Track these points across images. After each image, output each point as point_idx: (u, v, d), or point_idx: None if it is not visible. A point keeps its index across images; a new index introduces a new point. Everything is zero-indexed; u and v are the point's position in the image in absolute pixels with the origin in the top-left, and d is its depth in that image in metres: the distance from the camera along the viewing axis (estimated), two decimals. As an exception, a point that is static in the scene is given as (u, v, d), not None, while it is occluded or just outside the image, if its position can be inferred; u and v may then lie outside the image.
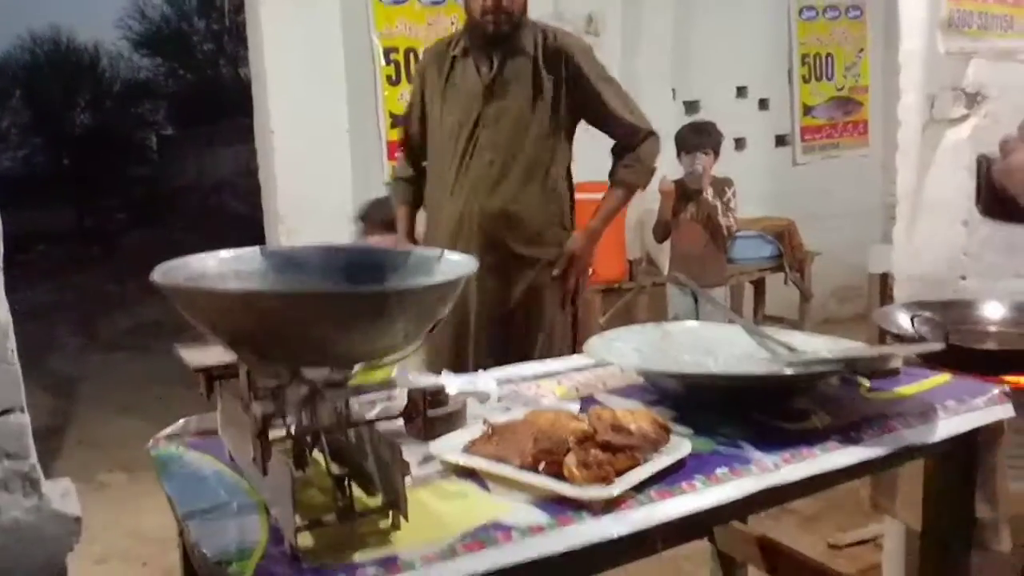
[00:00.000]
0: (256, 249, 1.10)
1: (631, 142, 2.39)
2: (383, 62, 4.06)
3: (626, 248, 4.36)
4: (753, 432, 1.28)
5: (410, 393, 1.15)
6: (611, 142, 2.46)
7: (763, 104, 5.39)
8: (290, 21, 3.70)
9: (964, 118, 2.38)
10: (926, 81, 2.46)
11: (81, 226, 13.40)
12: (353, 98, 3.87)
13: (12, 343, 1.34)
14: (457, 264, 1.03)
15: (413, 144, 2.50)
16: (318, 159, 3.71)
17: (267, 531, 1.02)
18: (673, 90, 4.91)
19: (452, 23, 4.00)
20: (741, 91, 5.30)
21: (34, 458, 1.37)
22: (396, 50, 4.08)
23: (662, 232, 3.66)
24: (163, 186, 14.79)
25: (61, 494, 1.44)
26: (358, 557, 0.95)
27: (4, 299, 1.36)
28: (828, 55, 5.46)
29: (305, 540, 0.98)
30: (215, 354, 1.21)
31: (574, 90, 2.31)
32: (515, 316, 2.36)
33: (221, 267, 1.04)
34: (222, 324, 0.89)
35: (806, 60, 5.42)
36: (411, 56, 4.06)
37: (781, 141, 5.48)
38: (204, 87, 15.18)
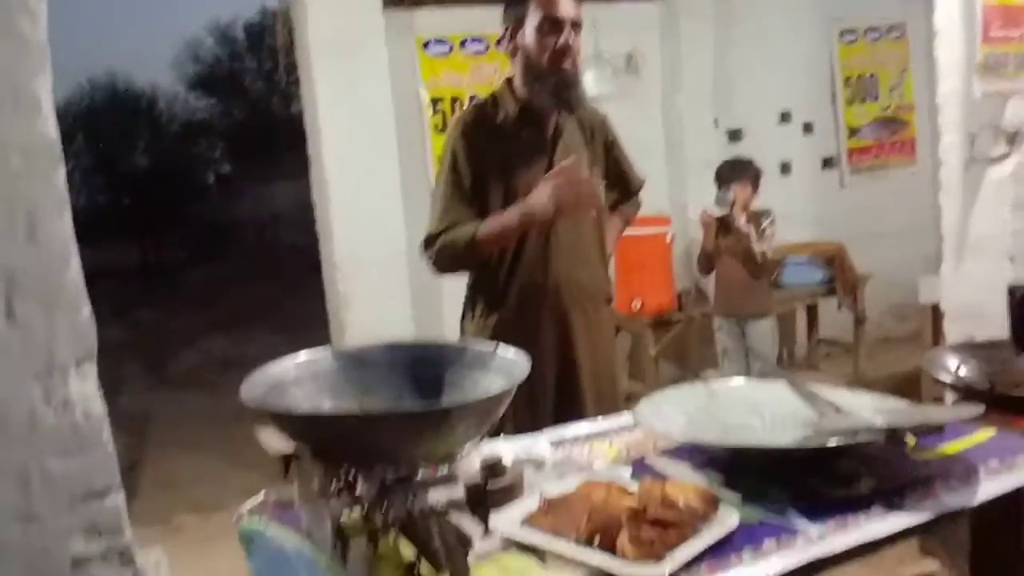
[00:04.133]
0: (327, 350, 1.21)
1: (633, 193, 2.42)
2: (430, 112, 4.21)
3: (674, 279, 4.41)
4: (800, 498, 1.34)
5: (467, 486, 1.23)
6: None
7: (808, 128, 5.39)
8: (341, 77, 3.86)
9: (1005, 156, 2.41)
10: (965, 121, 2.49)
11: (143, 263, 13.89)
12: (402, 147, 4.01)
13: (108, 431, 1.46)
14: (510, 363, 1.12)
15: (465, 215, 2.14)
16: (371, 207, 3.85)
17: (346, 611, 1.12)
18: (716, 120, 4.95)
19: (495, 70, 4.13)
20: (785, 116, 5.32)
21: (129, 535, 1.49)
22: (442, 100, 4.22)
23: (705, 263, 3.81)
24: (221, 221, 15.25)
25: (154, 563, 1.55)
26: (430, 638, 1.04)
27: (98, 390, 1.48)
28: (871, 75, 5.45)
29: (381, 622, 1.07)
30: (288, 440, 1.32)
31: (607, 154, 2.29)
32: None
33: (297, 371, 1.15)
34: (301, 438, 1.00)
35: (849, 82, 5.42)
36: (456, 105, 4.20)
37: (828, 164, 5.48)
38: (257, 124, 15.67)
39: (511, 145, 2.11)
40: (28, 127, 1.35)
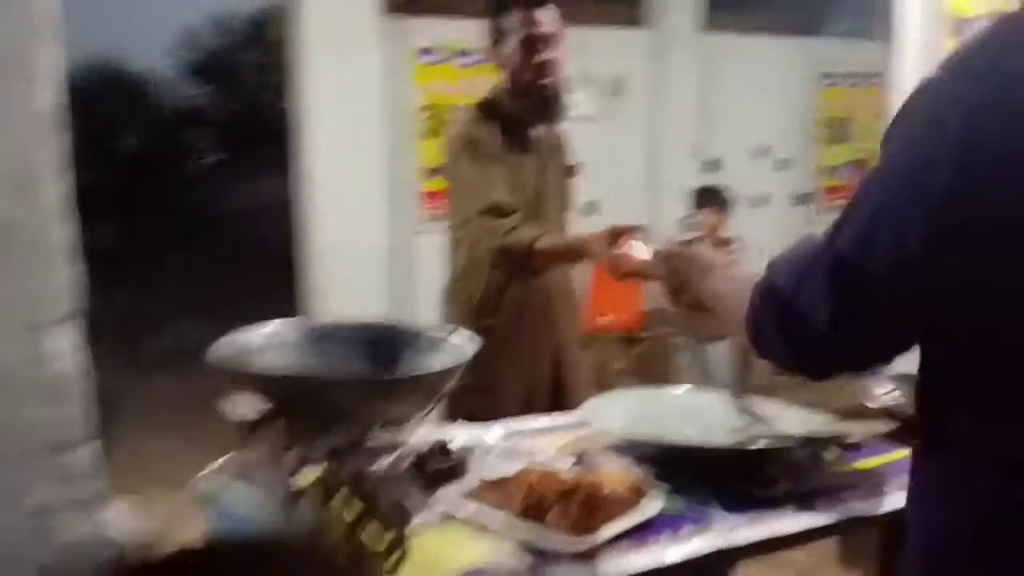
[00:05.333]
0: (293, 322, 1.32)
1: None
2: (420, 117, 4.33)
3: (642, 299, 4.54)
4: (722, 495, 1.46)
5: (417, 455, 1.34)
6: None
7: (784, 164, 5.58)
8: (332, 76, 3.98)
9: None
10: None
11: (124, 245, 13.85)
12: (391, 149, 4.12)
13: (86, 386, 1.55)
14: (458, 348, 1.23)
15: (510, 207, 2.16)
16: (354, 204, 3.95)
17: (292, 563, 1.22)
18: (694, 148, 5.12)
19: (487, 82, 4.24)
20: (762, 151, 5.50)
21: (96, 486, 1.58)
22: (432, 106, 4.35)
23: None
24: (205, 209, 15.25)
25: (116, 517, 1.64)
26: (366, 590, 1.15)
27: (81, 346, 1.56)
28: (848, 119, 5.65)
29: (323, 573, 1.17)
30: (251, 405, 1.42)
31: (568, 173, 2.40)
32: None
33: (264, 340, 1.25)
34: (266, 397, 1.10)
35: (826, 123, 5.62)
36: (445, 112, 4.32)
37: (801, 200, 5.66)
38: (250, 116, 15.71)
39: (512, 146, 2.19)
40: (34, 93, 1.45)
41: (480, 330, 2.12)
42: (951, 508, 0.95)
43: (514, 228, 2.06)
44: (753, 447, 1.54)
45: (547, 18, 2.14)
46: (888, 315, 0.92)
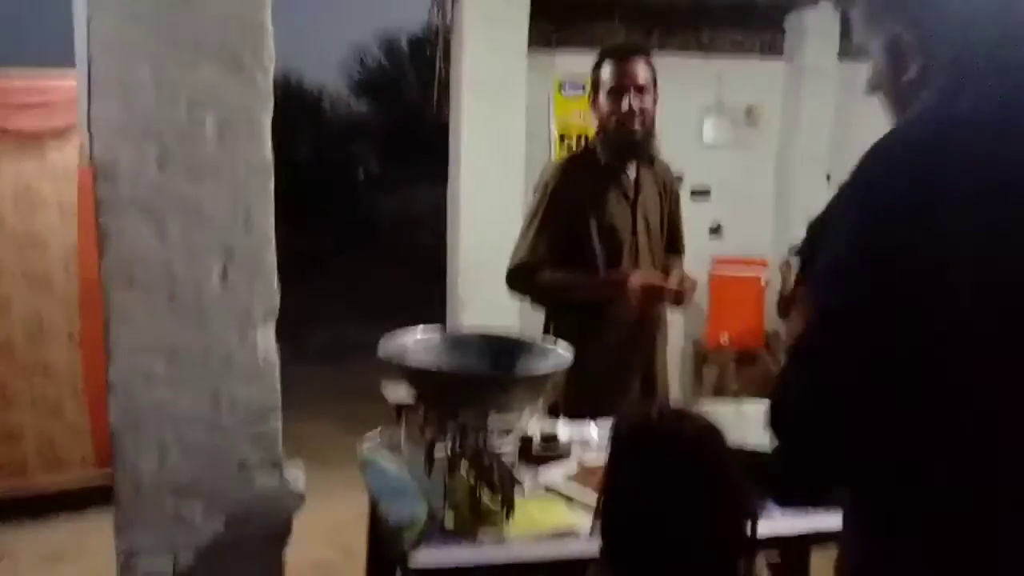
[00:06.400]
0: (437, 329, 1.72)
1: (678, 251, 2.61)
2: (557, 145, 4.73)
3: (765, 320, 4.71)
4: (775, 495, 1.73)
5: (522, 437, 1.71)
6: None
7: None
8: (484, 106, 4.41)
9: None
10: None
11: (292, 248, 15.05)
12: (529, 173, 4.50)
13: (278, 371, 2.01)
14: (561, 356, 1.59)
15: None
16: (495, 226, 4.33)
17: (428, 513, 1.61)
18: (828, 175, 5.21)
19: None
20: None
21: (280, 450, 2.03)
22: (569, 135, 4.73)
23: (783, 307, 4.06)
24: (366, 216, 16.30)
25: (294, 476, 2.09)
26: (480, 535, 1.53)
27: (273, 341, 2.03)
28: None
29: (449, 521, 1.56)
30: (404, 392, 1.84)
31: (673, 208, 2.55)
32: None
33: (415, 344, 1.67)
34: (414, 386, 1.51)
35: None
36: (582, 140, 4.69)
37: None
38: (408, 129, 16.70)
39: (600, 189, 2.35)
40: (255, 149, 1.93)
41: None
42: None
43: (528, 275, 2.35)
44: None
45: (636, 69, 2.30)
46: None
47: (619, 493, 1.17)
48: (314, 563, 3.14)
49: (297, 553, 1.99)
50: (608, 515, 1.18)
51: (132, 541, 1.84)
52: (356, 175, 17.96)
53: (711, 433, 1.17)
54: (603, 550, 1.20)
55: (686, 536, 1.11)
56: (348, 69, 19.55)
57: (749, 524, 1.16)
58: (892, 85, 1.14)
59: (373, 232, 15.06)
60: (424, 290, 10.30)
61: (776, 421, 1.03)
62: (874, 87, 1.18)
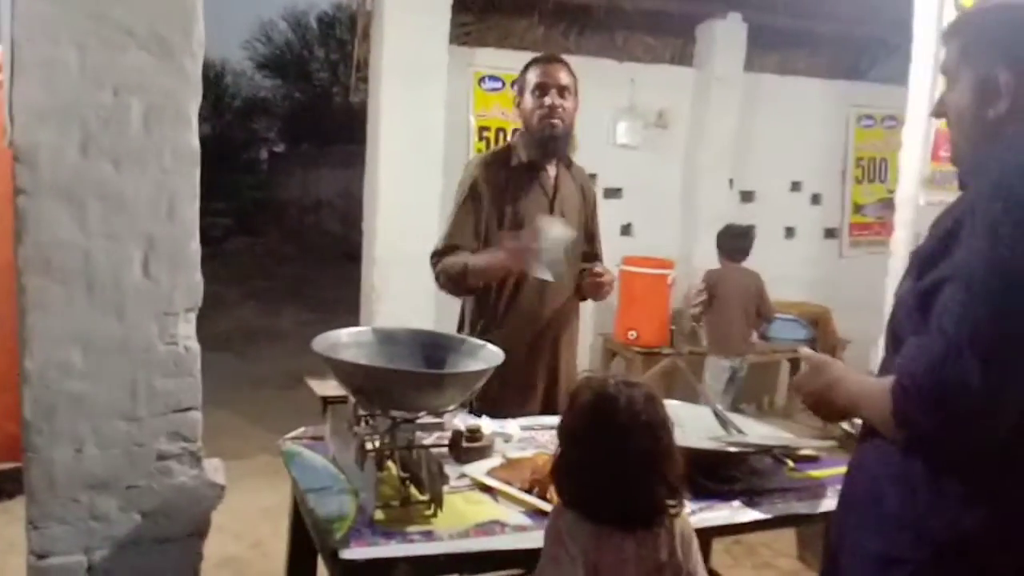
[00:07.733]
0: (369, 328, 1.74)
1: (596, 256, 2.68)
2: (476, 138, 4.77)
3: (669, 317, 4.90)
4: (690, 486, 1.83)
5: (453, 432, 1.76)
6: None
7: (815, 199, 5.88)
8: (403, 99, 4.40)
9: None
10: (913, 221, 2.98)
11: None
12: (447, 164, 4.53)
13: (198, 364, 1.98)
14: (492, 354, 1.65)
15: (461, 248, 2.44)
16: (412, 214, 4.35)
17: (356, 507, 1.64)
18: (731, 180, 5.45)
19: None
20: (796, 185, 5.81)
21: (200, 442, 2.01)
22: (488, 129, 4.78)
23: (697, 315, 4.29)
24: (267, 198, 15.90)
25: (213, 468, 2.07)
26: (409, 529, 1.57)
27: (194, 331, 2.00)
28: (882, 159, 5.93)
29: (378, 515, 1.59)
30: (330, 386, 1.85)
31: (590, 213, 2.64)
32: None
33: (347, 339, 1.68)
34: (349, 381, 1.53)
35: (860, 163, 5.91)
36: (501, 135, 4.75)
37: (830, 234, 5.95)
38: (315, 110, 16.40)
39: (519, 184, 2.45)
40: (181, 136, 1.90)
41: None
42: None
43: (443, 258, 2.41)
44: (718, 449, 1.91)
45: (560, 72, 2.44)
46: None
47: (577, 444, 1.40)
48: (225, 559, 3.09)
49: (206, 548, 1.96)
50: (565, 463, 1.42)
51: (45, 537, 1.79)
52: (258, 154, 17.52)
53: (652, 396, 1.44)
54: (561, 493, 1.44)
55: (633, 472, 1.37)
56: (253, 44, 19.01)
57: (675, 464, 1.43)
58: (975, 119, 1.21)
59: (275, 214, 14.72)
60: (329, 276, 10.12)
61: (943, 396, 1.11)
62: (940, 114, 1.25)
